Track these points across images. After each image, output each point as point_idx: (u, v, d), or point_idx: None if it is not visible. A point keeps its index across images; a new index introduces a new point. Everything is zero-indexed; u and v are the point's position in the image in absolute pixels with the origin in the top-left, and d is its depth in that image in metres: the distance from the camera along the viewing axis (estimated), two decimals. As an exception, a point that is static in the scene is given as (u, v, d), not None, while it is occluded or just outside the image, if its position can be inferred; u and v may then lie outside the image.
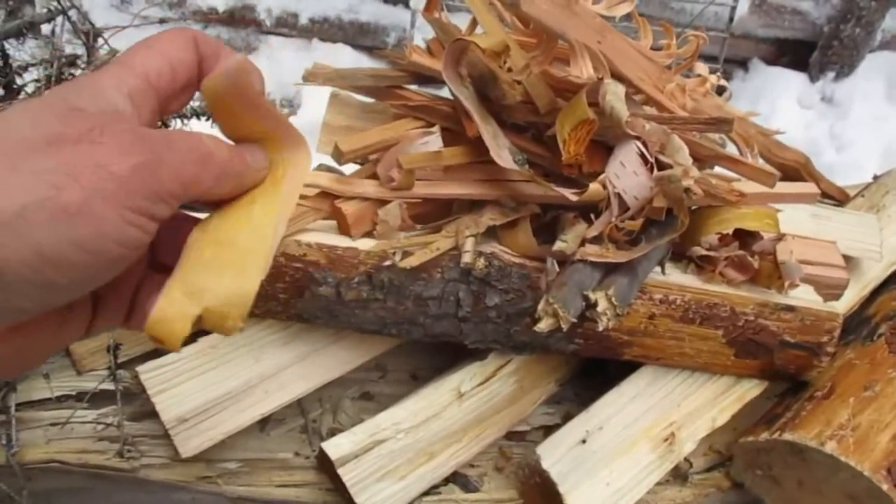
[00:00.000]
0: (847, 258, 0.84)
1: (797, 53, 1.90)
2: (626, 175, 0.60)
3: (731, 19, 1.71)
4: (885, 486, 0.62)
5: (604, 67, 0.59)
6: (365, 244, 0.63)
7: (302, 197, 0.64)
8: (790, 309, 0.69)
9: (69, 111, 0.32)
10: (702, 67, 0.72)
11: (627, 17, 0.71)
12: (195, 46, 0.38)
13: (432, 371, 0.79)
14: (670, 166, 0.60)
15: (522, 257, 0.65)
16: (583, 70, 0.56)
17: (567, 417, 0.77)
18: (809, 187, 0.72)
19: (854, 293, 0.84)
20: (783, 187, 0.73)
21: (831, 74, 1.86)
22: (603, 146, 0.64)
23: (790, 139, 1.87)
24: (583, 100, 0.60)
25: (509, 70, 0.65)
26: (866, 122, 1.86)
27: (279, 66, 1.77)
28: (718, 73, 0.74)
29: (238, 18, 1.70)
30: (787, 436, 0.68)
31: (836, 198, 0.99)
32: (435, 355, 0.81)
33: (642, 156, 0.60)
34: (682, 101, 0.68)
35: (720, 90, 0.76)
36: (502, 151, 0.62)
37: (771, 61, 1.92)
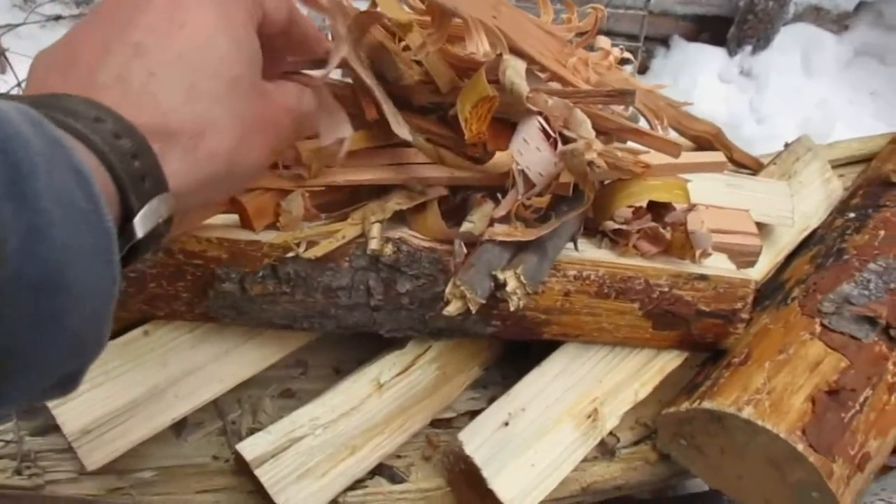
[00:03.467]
0: (761, 226, 0.85)
1: (715, 29, 1.94)
2: (529, 151, 0.59)
3: (649, -3, 1.73)
4: (800, 447, 0.63)
5: (501, 43, 0.58)
6: (268, 236, 0.61)
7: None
8: (703, 278, 0.69)
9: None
10: (604, 41, 0.72)
11: (528, -8, 0.70)
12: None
13: (355, 363, 0.77)
14: (574, 141, 0.59)
15: (432, 241, 0.64)
16: (478, 46, 0.55)
17: (493, 401, 0.76)
18: (717, 156, 0.72)
19: (768, 260, 0.86)
20: (691, 157, 0.73)
21: (748, 48, 1.90)
22: (507, 123, 0.63)
23: (712, 113, 1.90)
24: (482, 77, 0.59)
25: (406, 49, 0.63)
26: (784, 93, 1.90)
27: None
28: (621, 47, 0.73)
29: None
30: (706, 404, 0.68)
31: (749, 166, 1.00)
32: (357, 347, 0.79)
33: (545, 131, 0.59)
34: (586, 76, 0.67)
35: (625, 62, 0.76)
36: (403, 129, 0.60)
37: (691, 38, 1.94)
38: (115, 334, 0.66)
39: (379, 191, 0.65)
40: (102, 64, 0.35)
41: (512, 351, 0.80)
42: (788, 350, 0.70)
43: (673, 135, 0.90)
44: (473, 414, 0.78)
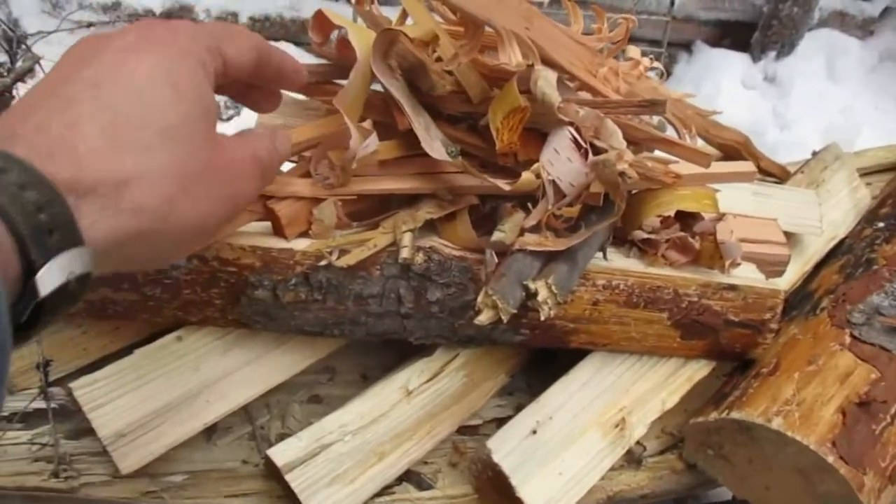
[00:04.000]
0: (789, 234, 0.85)
1: (739, 34, 1.93)
2: (560, 162, 0.59)
3: (672, 3, 1.73)
4: (830, 458, 0.63)
5: (533, 54, 0.59)
6: (300, 244, 0.62)
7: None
8: (732, 288, 0.69)
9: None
10: (634, 50, 0.72)
11: (558, 2, 0.70)
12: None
13: (382, 370, 0.78)
14: (605, 151, 0.60)
15: (463, 250, 0.64)
16: (511, 57, 0.56)
17: (519, 408, 0.76)
18: (747, 166, 0.72)
19: (797, 269, 0.85)
20: (720, 167, 0.73)
21: (772, 54, 1.89)
22: (538, 133, 0.63)
23: (735, 119, 1.89)
24: (514, 87, 0.59)
25: (439, 60, 0.64)
26: (808, 99, 1.89)
27: (221, 66, 1.75)
28: (651, 57, 0.73)
29: (176, 20, 1.66)
30: (735, 414, 0.68)
31: (776, 175, 1.00)
32: (384, 354, 0.79)
33: (576, 141, 0.59)
34: (616, 85, 0.67)
35: (654, 71, 0.76)
36: (434, 143, 0.61)
37: (714, 43, 1.94)
38: (149, 339, 0.67)
39: (410, 199, 0.66)
40: (28, 116, 0.34)
41: (538, 358, 0.80)
42: (818, 361, 0.70)
43: (701, 143, 0.90)
44: (500, 421, 0.78)
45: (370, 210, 0.65)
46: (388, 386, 0.71)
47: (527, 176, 0.58)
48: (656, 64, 0.74)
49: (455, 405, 0.73)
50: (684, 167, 0.67)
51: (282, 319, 0.64)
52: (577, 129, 0.60)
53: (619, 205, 0.60)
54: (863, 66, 2.01)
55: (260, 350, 0.69)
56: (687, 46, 1.97)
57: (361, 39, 0.61)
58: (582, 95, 0.67)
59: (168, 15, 1.64)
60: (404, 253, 0.61)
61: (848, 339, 0.72)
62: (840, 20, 1.95)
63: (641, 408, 0.72)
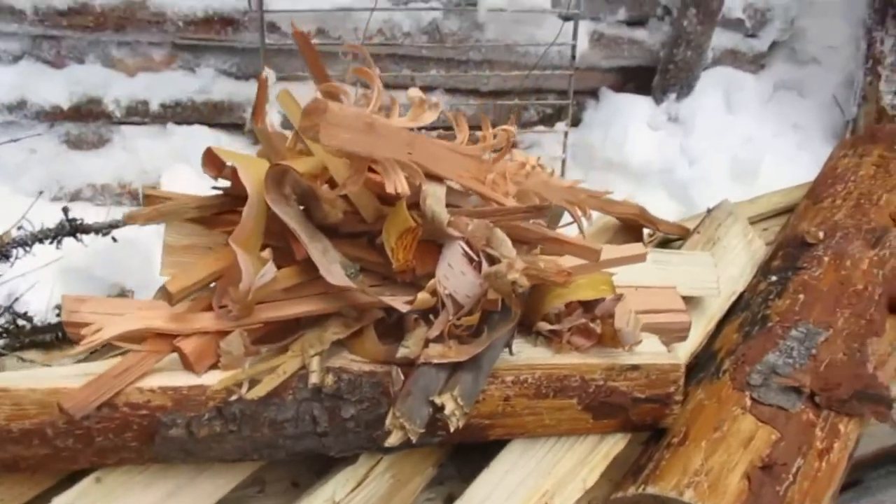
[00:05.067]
0: (689, 298, 0.89)
1: (640, 79, 2.01)
2: (454, 276, 0.62)
3: (574, 56, 1.79)
4: (740, 526, 0.66)
5: (419, 175, 0.61)
6: (211, 378, 0.62)
7: (138, 341, 0.63)
8: (635, 368, 0.72)
9: None
10: (519, 153, 0.76)
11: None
12: None
13: (313, 475, 0.78)
14: (499, 260, 0.62)
15: (372, 363, 0.66)
16: (396, 186, 0.58)
17: (450, 498, 0.78)
18: (637, 248, 0.76)
19: (699, 330, 0.90)
20: (612, 252, 0.77)
21: (673, 95, 1.97)
22: (435, 245, 0.66)
23: (646, 160, 1.96)
24: (403, 209, 0.62)
25: (332, 184, 0.66)
26: (711, 134, 1.98)
27: (136, 154, 1.73)
28: (538, 157, 0.77)
29: (85, 113, 1.65)
30: (650, 489, 0.71)
31: (677, 234, 1.05)
32: (314, 459, 0.80)
33: (468, 255, 0.62)
34: (505, 188, 0.71)
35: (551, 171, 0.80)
36: (333, 267, 0.63)
37: (618, 89, 2.01)
38: (67, 484, 0.66)
39: (317, 318, 0.67)
40: None
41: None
42: (723, 427, 0.74)
43: (596, 216, 0.94)
44: (432, 514, 0.80)
45: (278, 332, 0.66)
46: (315, 500, 0.71)
47: (423, 296, 0.61)
48: (542, 162, 0.78)
49: (384, 507, 0.74)
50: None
51: (200, 452, 0.64)
52: (468, 243, 0.63)
53: (514, 311, 0.63)
54: (759, 98, 2.12)
55: (182, 480, 0.69)
56: (593, 93, 2.04)
57: (252, 173, 0.63)
58: (473, 200, 0.71)
59: (76, 110, 1.63)
60: (313, 378, 0.62)
61: (748, 402, 0.76)
62: (732, 57, 2.05)
63: (563, 489, 0.74)
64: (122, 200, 1.68)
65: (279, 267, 0.64)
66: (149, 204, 0.68)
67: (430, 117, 0.64)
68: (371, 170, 0.65)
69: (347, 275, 0.63)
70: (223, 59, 1.74)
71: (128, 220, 0.65)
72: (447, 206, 0.66)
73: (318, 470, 0.78)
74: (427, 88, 1.79)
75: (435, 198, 0.62)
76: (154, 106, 1.71)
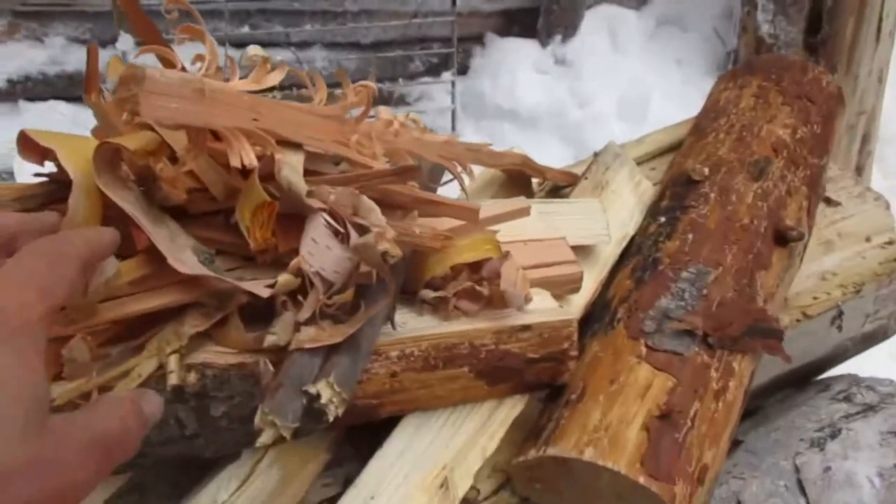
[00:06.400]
0: (580, 248, 0.87)
1: (525, 22, 1.98)
2: (319, 252, 0.57)
3: (454, 2, 1.74)
4: (641, 479, 0.65)
5: (269, 143, 0.55)
6: (56, 389, 0.55)
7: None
8: (526, 328, 0.69)
9: None
10: (383, 110, 0.70)
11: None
12: None
13: (196, 471, 0.73)
14: (368, 230, 0.57)
15: (240, 354, 0.60)
16: (242, 157, 0.52)
17: (348, 481, 0.73)
18: (519, 202, 0.73)
19: (593, 279, 0.87)
20: (494, 208, 0.73)
21: (559, 37, 1.95)
22: (298, 218, 0.60)
23: (536, 104, 1.94)
24: (256, 183, 0.56)
25: (174, 159, 0.59)
26: (599, 75, 1.97)
27: (-14, 136, 1.58)
28: (409, 115, 0.72)
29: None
30: (551, 450, 0.68)
31: (566, 182, 1.02)
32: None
33: (332, 227, 0.57)
34: (373, 150, 0.65)
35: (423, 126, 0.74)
36: (183, 254, 0.56)
37: (503, 33, 1.98)
38: None
39: (172, 309, 0.61)
40: None
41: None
42: (619, 379, 0.72)
43: (480, 171, 0.90)
44: (331, 500, 0.75)
45: (129, 331, 0.59)
46: (198, 503, 0.66)
47: (285, 277, 0.55)
48: (413, 117, 0.73)
49: (276, 502, 0.69)
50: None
51: (51, 473, 0.57)
52: (333, 214, 0.57)
53: (390, 283, 0.58)
54: (642, 34, 2.12)
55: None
56: (479, 39, 2.00)
57: (78, 155, 0.55)
58: (344, 165, 0.65)
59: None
60: (172, 379, 0.56)
61: (644, 350, 0.74)
62: (614, -6, 2.05)
63: (463, 461, 0.71)
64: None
65: (122, 258, 0.57)
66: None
67: (274, 78, 0.57)
68: (219, 139, 0.58)
69: (201, 261, 0.56)
70: (73, 26, 1.59)
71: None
72: (310, 174, 0.60)
73: (201, 465, 0.72)
74: (304, 45, 1.70)
75: (290, 167, 0.56)
76: (1, 82, 1.56)
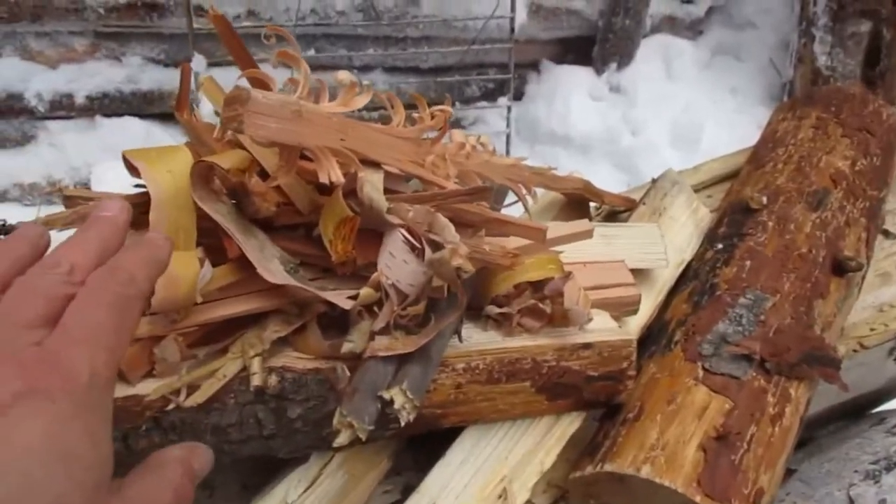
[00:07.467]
0: (638, 271, 0.89)
1: (580, 50, 2.01)
2: (396, 265, 0.60)
3: (513, 29, 1.77)
4: (697, 498, 0.66)
5: (354, 162, 0.59)
6: (146, 388, 0.59)
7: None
8: (587, 346, 0.71)
9: None
10: (457, 133, 0.74)
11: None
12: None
13: (264, 474, 0.76)
14: (442, 246, 0.60)
15: (317, 359, 0.63)
16: (329, 175, 0.56)
17: (407, 489, 0.76)
18: (583, 225, 0.75)
19: (650, 302, 0.89)
20: (558, 229, 0.76)
21: (613, 65, 1.98)
22: (375, 233, 0.64)
23: (590, 131, 1.96)
24: (339, 198, 0.59)
25: (264, 175, 0.63)
26: (652, 103, 1.99)
27: (64, 151, 1.66)
28: (477, 136, 0.75)
29: (5, 109, 1.57)
30: (608, 466, 0.70)
31: (623, 206, 1.04)
32: (263, 460, 0.78)
33: (409, 242, 0.60)
34: (446, 171, 0.68)
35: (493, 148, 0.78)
36: (271, 264, 0.60)
37: (559, 60, 2.01)
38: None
39: (257, 316, 0.64)
40: None
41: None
42: (676, 399, 0.73)
43: (542, 193, 0.93)
44: (390, 507, 0.78)
45: (215, 334, 0.63)
46: (267, 503, 0.69)
47: (367, 291, 0.58)
48: (483, 140, 0.76)
49: (340, 505, 0.72)
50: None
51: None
52: (409, 230, 0.60)
53: (461, 299, 0.61)
54: (697, 64, 2.14)
55: (124, 493, 0.66)
56: (534, 66, 2.03)
57: (156, 171, 0.59)
58: (416, 184, 0.68)
59: (-6, 104, 1.55)
60: (255, 381, 0.60)
61: (701, 373, 0.75)
62: (670, 24, 2.06)
63: (521, 473, 0.73)
64: (54, 199, 1.61)
65: (213, 265, 0.61)
66: (70, 206, 0.65)
67: (361, 101, 0.61)
68: (306, 158, 0.62)
69: (287, 271, 0.60)
70: (150, 47, 1.68)
71: (46, 225, 0.61)
72: (387, 192, 0.63)
73: (268, 468, 0.76)
74: (365, 68, 1.76)
75: (372, 185, 0.59)
76: (80, 99, 1.65)
